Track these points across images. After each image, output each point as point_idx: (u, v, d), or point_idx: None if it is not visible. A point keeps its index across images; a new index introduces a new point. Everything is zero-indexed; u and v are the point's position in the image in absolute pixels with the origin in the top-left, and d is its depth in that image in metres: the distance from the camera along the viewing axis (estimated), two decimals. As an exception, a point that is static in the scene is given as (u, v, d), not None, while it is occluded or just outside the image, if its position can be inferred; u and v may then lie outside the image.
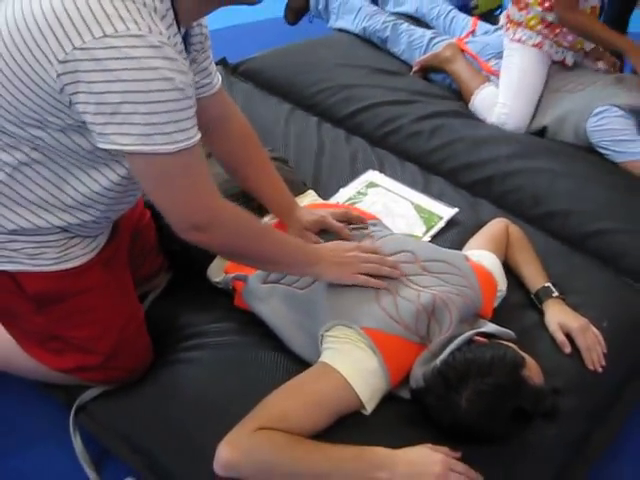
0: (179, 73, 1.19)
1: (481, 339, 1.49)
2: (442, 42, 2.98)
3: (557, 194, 2.26)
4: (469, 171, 2.38)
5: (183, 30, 1.35)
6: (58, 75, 1.16)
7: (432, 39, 3.01)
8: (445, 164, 2.41)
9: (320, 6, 3.36)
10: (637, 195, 2.27)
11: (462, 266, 1.66)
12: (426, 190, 2.20)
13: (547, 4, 2.57)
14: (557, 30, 2.60)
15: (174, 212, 1.34)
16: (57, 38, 1.14)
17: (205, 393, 1.59)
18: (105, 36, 1.12)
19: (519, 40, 2.66)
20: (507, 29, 2.72)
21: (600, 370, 1.70)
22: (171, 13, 1.25)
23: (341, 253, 1.58)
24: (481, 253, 1.78)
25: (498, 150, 2.42)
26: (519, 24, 2.66)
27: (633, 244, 2.12)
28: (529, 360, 1.46)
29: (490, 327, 1.56)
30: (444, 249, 1.75)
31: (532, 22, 2.63)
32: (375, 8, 3.24)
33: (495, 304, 1.73)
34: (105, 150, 1.24)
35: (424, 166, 2.41)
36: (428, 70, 2.95)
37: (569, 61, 2.69)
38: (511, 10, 2.70)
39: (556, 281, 1.85)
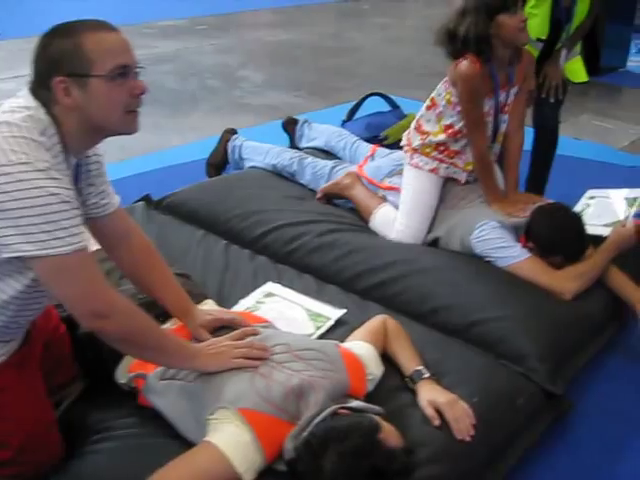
0: (64, 189, 1.48)
1: (345, 412, 1.70)
2: (343, 170, 3.32)
3: (441, 292, 2.53)
4: (364, 278, 2.64)
5: (74, 160, 1.64)
6: None
7: (333, 168, 3.35)
8: (342, 274, 2.68)
9: (236, 156, 3.71)
10: (512, 286, 2.54)
11: (331, 353, 1.90)
12: (319, 296, 2.45)
13: (450, 131, 2.85)
14: (453, 155, 2.90)
15: (75, 303, 1.58)
16: None
17: (111, 478, 1.76)
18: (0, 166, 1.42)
19: (416, 165, 2.96)
20: (406, 151, 3.02)
21: (468, 439, 1.89)
22: (58, 147, 1.55)
23: (215, 345, 1.84)
24: (355, 343, 2.02)
25: (389, 258, 2.70)
26: (415, 150, 2.96)
27: (509, 330, 2.36)
28: (387, 427, 1.67)
29: (355, 403, 1.77)
30: (317, 340, 1.99)
31: (427, 149, 2.93)
32: (282, 147, 3.61)
33: (370, 387, 1.94)
34: (9, 262, 1.50)
35: (323, 277, 2.68)
36: (331, 196, 3.26)
37: (462, 179, 2.97)
38: (412, 133, 2.99)
39: (433, 365, 2.08)
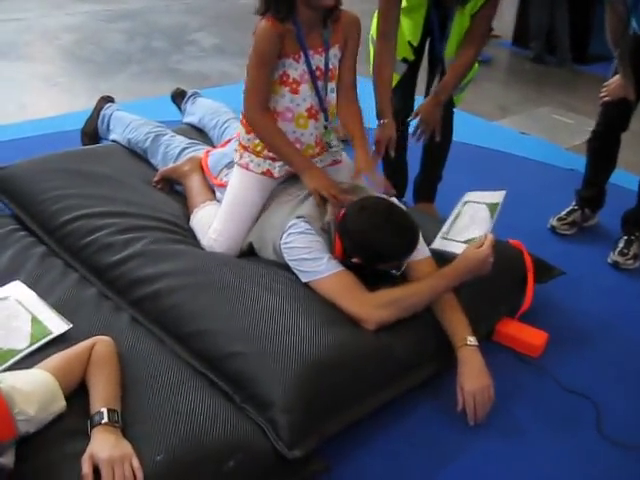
0: None
1: None
2: (194, 152, 2.95)
3: (214, 312, 2.14)
4: (142, 285, 2.28)
5: None
6: None
7: (184, 149, 2.98)
8: (122, 278, 2.33)
9: (104, 126, 3.37)
10: (298, 312, 2.13)
11: None
12: (67, 303, 2.15)
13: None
14: None
15: None
16: None
17: None
18: None
19: (246, 167, 2.54)
20: (236, 149, 2.59)
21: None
22: None
23: None
24: (27, 372, 1.70)
25: (176, 265, 2.32)
26: (246, 148, 2.53)
27: (264, 367, 1.97)
28: None
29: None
30: None
31: (258, 148, 2.50)
32: (144, 120, 3.23)
33: (26, 428, 1.59)
34: None
35: (104, 280, 2.35)
36: (172, 182, 2.90)
37: None
38: (240, 130, 2.57)
39: (134, 408, 1.76)
